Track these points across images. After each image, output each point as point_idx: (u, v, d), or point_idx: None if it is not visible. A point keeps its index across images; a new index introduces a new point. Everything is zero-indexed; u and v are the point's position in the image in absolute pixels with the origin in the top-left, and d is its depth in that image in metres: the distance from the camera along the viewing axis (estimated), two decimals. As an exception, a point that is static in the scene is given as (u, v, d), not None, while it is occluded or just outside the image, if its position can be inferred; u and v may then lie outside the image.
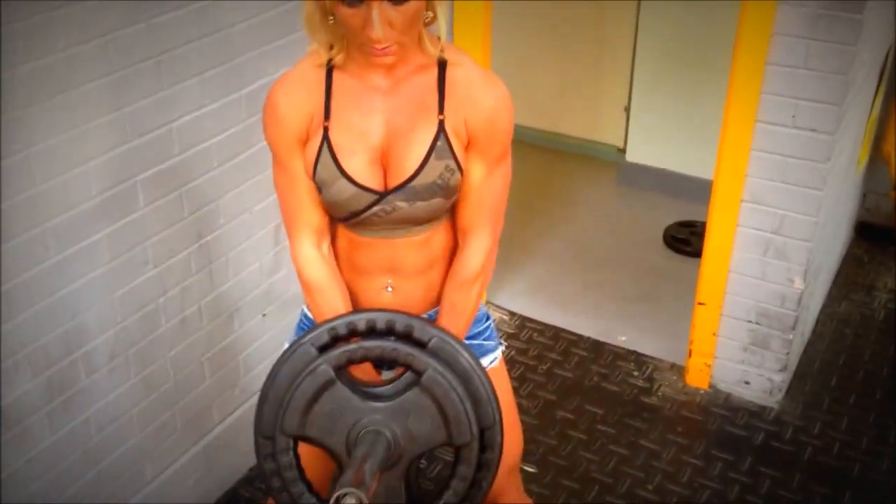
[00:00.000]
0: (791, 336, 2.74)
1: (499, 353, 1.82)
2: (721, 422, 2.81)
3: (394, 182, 1.54)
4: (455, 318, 1.64)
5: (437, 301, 1.68)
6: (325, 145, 1.52)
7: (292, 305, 2.59)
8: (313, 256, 1.61)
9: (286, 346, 1.79)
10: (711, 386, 2.93)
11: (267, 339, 2.57)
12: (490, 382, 1.48)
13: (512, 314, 3.28)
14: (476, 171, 1.57)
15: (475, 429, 1.45)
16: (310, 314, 1.75)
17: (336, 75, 1.52)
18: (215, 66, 2.14)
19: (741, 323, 2.79)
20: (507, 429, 1.62)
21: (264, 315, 2.54)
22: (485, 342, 1.77)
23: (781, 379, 2.83)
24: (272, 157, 1.60)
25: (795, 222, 2.58)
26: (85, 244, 1.95)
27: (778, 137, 2.51)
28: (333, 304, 1.62)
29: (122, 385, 2.15)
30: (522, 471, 2.52)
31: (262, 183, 2.39)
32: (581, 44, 4.12)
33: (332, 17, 1.42)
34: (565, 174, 4.25)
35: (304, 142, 1.54)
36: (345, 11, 1.38)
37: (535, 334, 3.19)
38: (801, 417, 2.82)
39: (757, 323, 2.77)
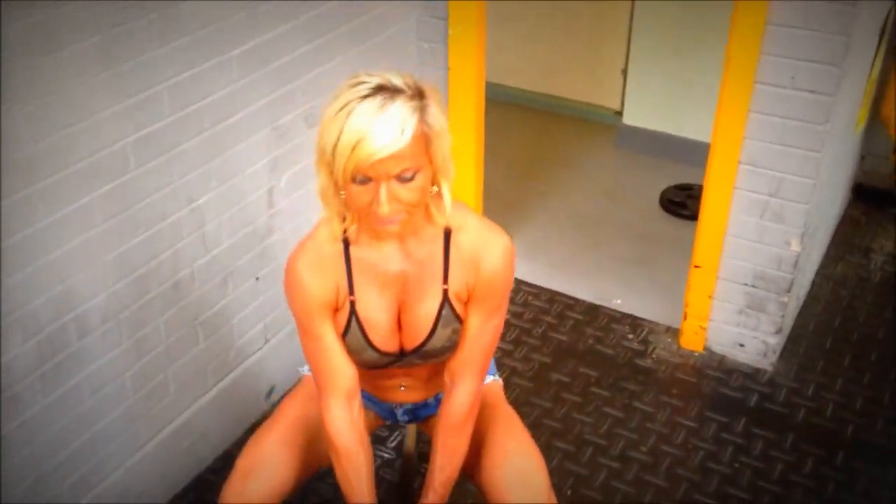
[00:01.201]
0: (787, 298, 2.74)
1: (491, 379, 1.92)
2: (715, 384, 2.82)
3: (409, 346, 1.70)
4: (452, 461, 1.74)
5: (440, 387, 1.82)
6: (354, 319, 1.65)
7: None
8: (344, 422, 1.68)
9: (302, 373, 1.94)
10: (706, 348, 2.93)
11: (260, 303, 2.56)
12: None
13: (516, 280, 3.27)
14: (473, 321, 1.68)
15: None
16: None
17: (353, 251, 1.63)
18: (206, 27, 2.11)
19: (737, 286, 2.78)
20: (514, 446, 1.76)
21: (258, 278, 2.52)
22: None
23: (776, 341, 2.83)
24: (298, 327, 1.68)
25: (793, 185, 2.56)
26: (75, 207, 1.93)
27: (776, 99, 2.48)
28: (358, 470, 1.71)
29: (115, 349, 2.15)
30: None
31: (254, 146, 2.37)
32: (578, 6, 4.07)
33: (342, 193, 1.49)
34: (562, 137, 4.21)
35: (335, 310, 1.65)
36: (354, 189, 1.45)
37: (531, 297, 3.18)
38: (795, 379, 2.82)
39: (753, 286, 2.76)
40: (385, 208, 1.45)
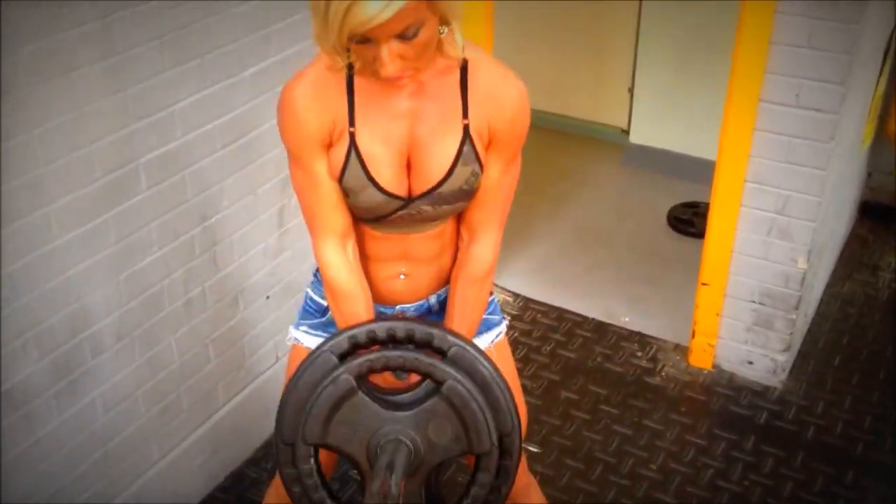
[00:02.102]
0: (794, 316, 2.75)
1: (503, 327, 1.83)
2: (724, 401, 2.82)
3: (420, 188, 1.53)
4: (468, 314, 1.65)
5: (446, 281, 1.70)
6: (354, 153, 1.49)
7: (296, 287, 2.60)
8: (339, 261, 1.59)
9: (291, 330, 1.81)
10: (715, 366, 2.94)
11: (271, 321, 2.59)
12: (509, 390, 1.49)
13: (516, 295, 3.29)
14: (493, 170, 1.56)
15: (494, 437, 1.46)
16: (314, 297, 1.76)
17: (357, 80, 1.47)
18: (217, 48, 2.14)
19: (745, 303, 2.79)
20: None
21: (268, 297, 2.55)
22: (489, 316, 1.78)
23: (785, 359, 2.84)
24: (290, 159, 1.56)
25: (799, 202, 2.58)
26: (88, 227, 1.96)
27: (781, 117, 2.51)
28: (356, 309, 1.61)
29: (128, 366, 2.17)
30: (526, 450, 2.53)
31: (266, 166, 2.40)
32: (584, 25, 4.11)
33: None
34: (569, 155, 4.24)
35: (328, 145, 1.51)
36: (354, 48, 1.35)
37: (539, 315, 3.20)
38: (804, 397, 2.83)
39: (760, 303, 2.77)
40: (389, 69, 1.33)
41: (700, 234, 3.11)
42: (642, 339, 3.08)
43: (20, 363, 1.90)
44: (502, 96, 1.51)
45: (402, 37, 1.32)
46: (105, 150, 1.95)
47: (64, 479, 2.07)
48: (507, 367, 1.80)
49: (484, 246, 1.63)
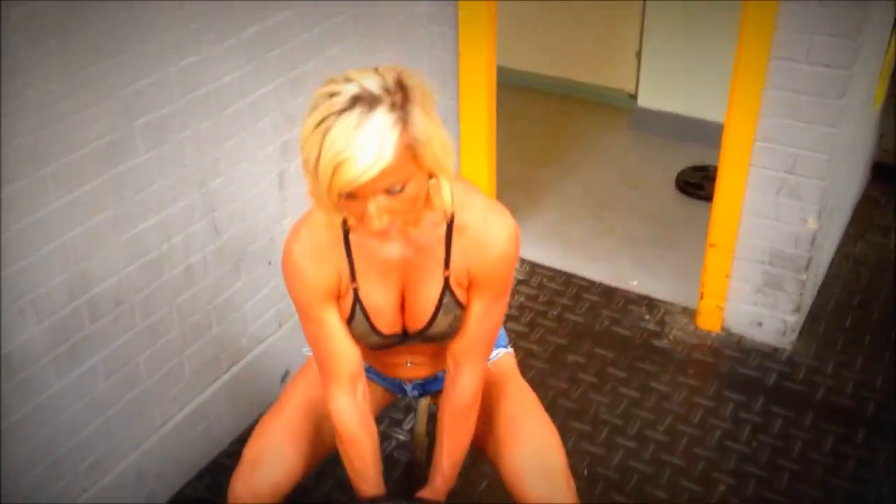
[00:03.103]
0: (804, 277, 2.70)
1: (503, 352, 1.91)
2: (733, 363, 2.79)
3: (411, 329, 1.67)
4: (457, 443, 1.72)
5: None
6: (358, 307, 1.62)
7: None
8: (348, 407, 1.67)
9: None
10: (724, 328, 2.90)
11: (273, 288, 2.56)
12: None
13: (522, 261, 3.26)
14: (476, 307, 1.63)
15: None
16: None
17: (352, 238, 1.58)
18: (214, 11, 2.11)
19: (754, 264, 2.75)
20: (529, 424, 1.74)
21: (270, 263, 2.53)
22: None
23: (795, 320, 2.80)
24: (299, 314, 1.66)
25: (809, 161, 2.53)
26: (86, 189, 1.94)
27: (792, 74, 2.45)
28: (363, 455, 1.69)
29: (128, 332, 2.16)
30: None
31: (264, 131, 2.37)
32: (591, -14, 4.04)
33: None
34: (577, 121, 4.19)
35: (337, 297, 1.62)
36: (344, 203, 1.39)
37: (546, 280, 3.16)
38: (814, 358, 2.79)
39: (770, 264, 2.73)
40: (376, 224, 1.39)
41: (709, 197, 3.05)
42: (650, 303, 3.04)
43: (18, 328, 1.88)
44: (485, 244, 1.57)
45: (390, 192, 1.37)
46: (100, 113, 1.92)
47: (65, 445, 2.07)
48: (518, 390, 1.85)
49: (468, 377, 1.68)
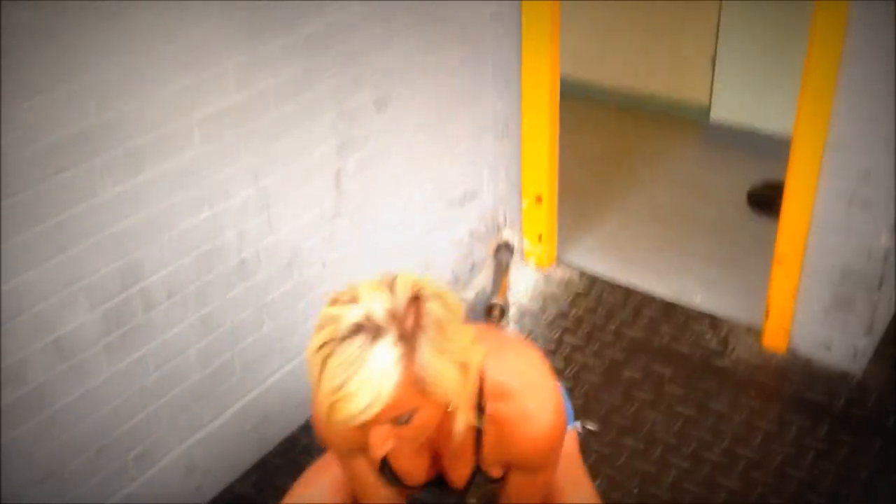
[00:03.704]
0: (877, 296, 2.57)
1: (568, 428, 1.80)
2: (798, 386, 2.67)
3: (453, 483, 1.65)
4: None
5: None
6: (386, 467, 1.61)
7: (351, 257, 2.57)
8: None
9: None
10: (790, 350, 2.78)
11: (327, 289, 2.56)
12: None
13: (582, 273, 3.19)
14: (517, 479, 1.58)
15: None
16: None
17: None
18: (273, 10, 2.12)
19: (823, 283, 2.63)
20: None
21: (324, 265, 2.52)
22: None
23: (866, 343, 2.66)
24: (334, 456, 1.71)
25: (883, 171, 2.41)
26: (139, 180, 1.97)
27: (864, 78, 2.34)
28: None
29: (180, 324, 2.17)
30: (584, 428, 2.45)
31: (321, 128, 2.37)
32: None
33: None
34: (646, 133, 4.11)
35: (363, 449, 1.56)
36: (350, 432, 1.32)
37: (606, 293, 3.09)
38: (886, 383, 2.65)
39: (840, 283, 2.60)
40: (376, 453, 1.29)
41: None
42: (713, 321, 2.94)
43: (70, 313, 1.92)
44: (517, 438, 1.47)
45: (396, 421, 1.28)
46: (156, 103, 1.95)
47: (113, 433, 2.09)
48: (573, 467, 1.79)
49: None
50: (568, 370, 2.76)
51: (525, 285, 3.14)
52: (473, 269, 3.12)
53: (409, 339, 1.23)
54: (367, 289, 1.27)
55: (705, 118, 3.98)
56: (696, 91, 4.05)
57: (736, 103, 3.85)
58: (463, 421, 1.37)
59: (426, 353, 1.23)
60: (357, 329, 1.21)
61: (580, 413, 2.45)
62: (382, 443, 1.29)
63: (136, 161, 1.95)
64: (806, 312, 2.71)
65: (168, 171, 2.02)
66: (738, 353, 2.81)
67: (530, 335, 2.91)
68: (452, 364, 1.26)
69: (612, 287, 3.11)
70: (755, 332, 2.86)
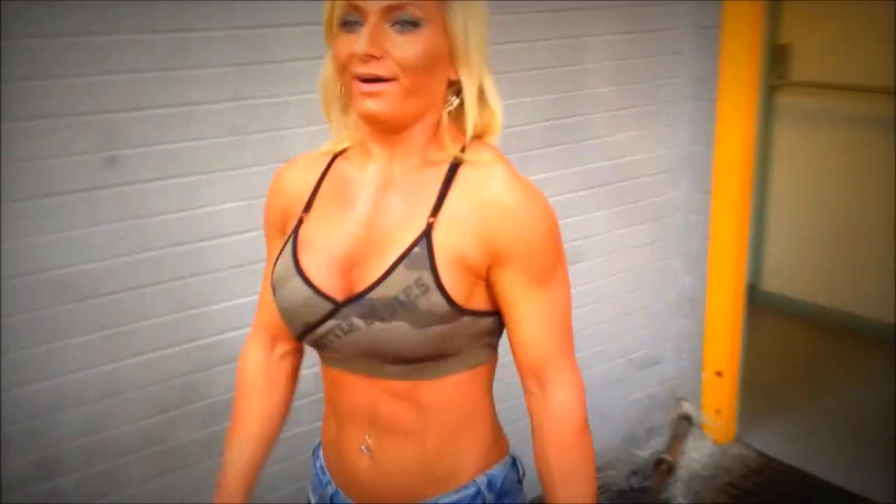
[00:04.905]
0: None
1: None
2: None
3: (357, 286, 1.20)
4: (577, 488, 1.25)
5: (442, 485, 1.28)
6: (292, 238, 1.26)
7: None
8: (256, 357, 1.40)
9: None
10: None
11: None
12: None
13: (760, 452, 3.24)
14: (526, 299, 1.21)
15: None
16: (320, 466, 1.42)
17: (336, 163, 1.29)
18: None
19: None
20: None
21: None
22: None
23: None
24: None
25: None
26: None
27: None
28: (246, 414, 1.39)
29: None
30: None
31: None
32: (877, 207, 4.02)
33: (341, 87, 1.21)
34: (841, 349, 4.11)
35: (283, 233, 1.32)
36: (341, 41, 1.16)
37: (779, 475, 3.09)
38: None
39: None
40: (363, 42, 1.12)
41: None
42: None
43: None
44: (497, 199, 1.17)
45: (397, 21, 1.13)
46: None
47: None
48: None
49: (561, 390, 1.24)
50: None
51: (700, 454, 3.23)
52: (650, 432, 3.28)
53: None
54: None
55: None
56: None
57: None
58: (471, 112, 1.19)
59: None
60: None
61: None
62: (373, 40, 1.12)
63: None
64: None
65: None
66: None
67: (698, 495, 2.98)
68: (475, 26, 1.18)
69: (786, 469, 3.11)
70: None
